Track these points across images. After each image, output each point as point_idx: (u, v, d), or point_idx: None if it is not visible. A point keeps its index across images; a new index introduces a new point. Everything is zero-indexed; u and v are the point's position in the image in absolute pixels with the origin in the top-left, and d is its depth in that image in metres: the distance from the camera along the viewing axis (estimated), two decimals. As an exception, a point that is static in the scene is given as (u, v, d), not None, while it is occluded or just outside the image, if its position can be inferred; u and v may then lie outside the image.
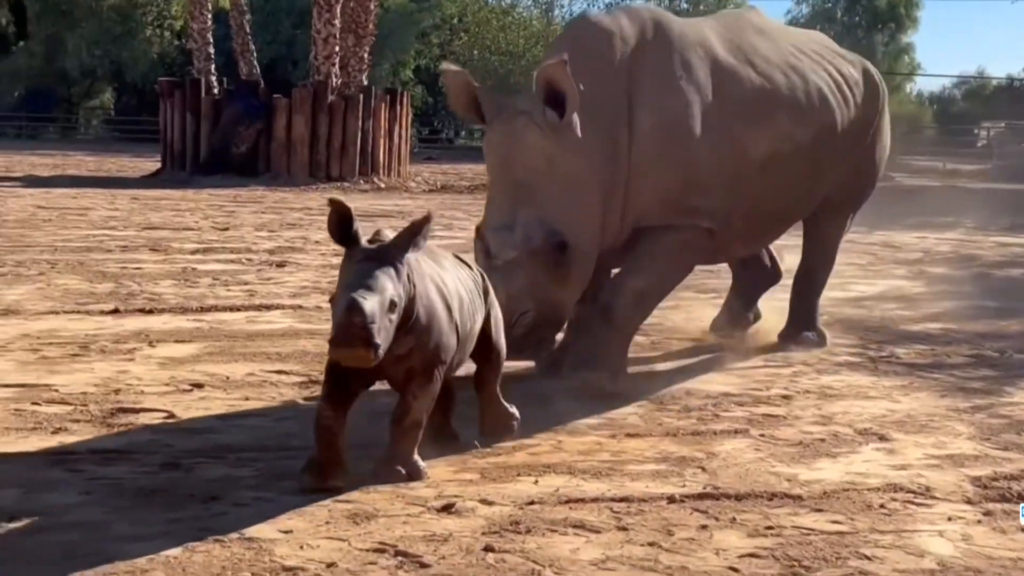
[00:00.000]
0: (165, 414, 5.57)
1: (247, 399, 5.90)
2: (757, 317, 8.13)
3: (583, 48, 6.35)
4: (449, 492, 4.49)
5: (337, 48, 25.88)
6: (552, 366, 6.31)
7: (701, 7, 52.82)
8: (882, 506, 4.48)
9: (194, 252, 11.83)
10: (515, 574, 3.70)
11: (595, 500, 4.45)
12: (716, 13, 10.55)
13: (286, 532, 4.01)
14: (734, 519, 4.28)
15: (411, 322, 4.36)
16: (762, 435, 5.47)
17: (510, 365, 5.50)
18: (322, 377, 4.62)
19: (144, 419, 5.48)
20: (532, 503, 4.40)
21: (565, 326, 6.45)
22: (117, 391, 5.95)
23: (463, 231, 13.77)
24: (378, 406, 4.93)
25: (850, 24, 62.35)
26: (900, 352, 7.70)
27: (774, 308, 8.17)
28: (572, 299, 6.13)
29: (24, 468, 4.68)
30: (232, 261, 11.22)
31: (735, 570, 3.80)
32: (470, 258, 5.36)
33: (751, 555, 3.93)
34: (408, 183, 26.34)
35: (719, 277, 9.36)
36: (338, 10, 25.95)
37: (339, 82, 25.89)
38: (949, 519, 4.35)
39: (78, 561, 3.72)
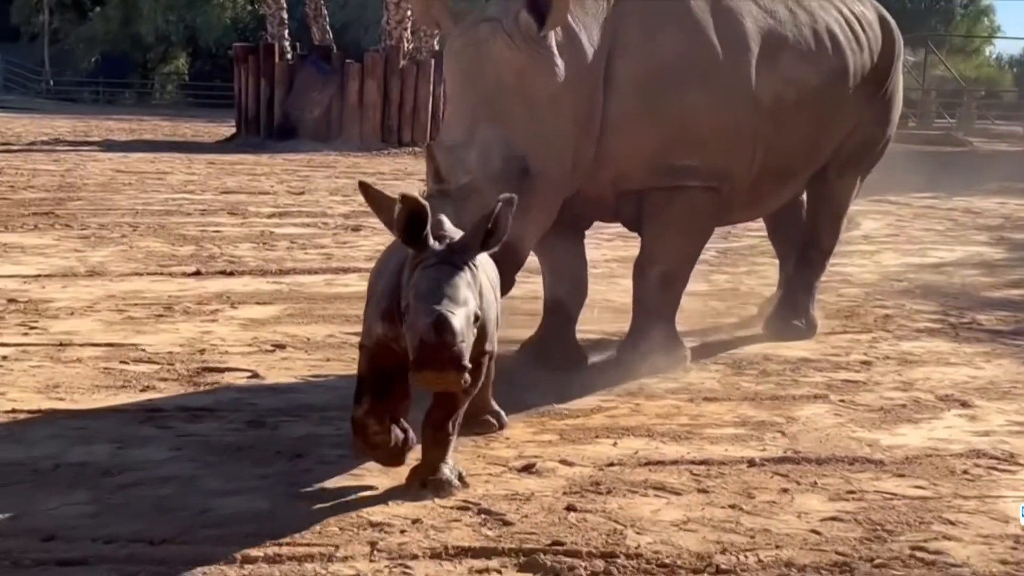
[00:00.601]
0: (249, 374, 5.68)
1: (328, 360, 6.00)
2: (813, 325, 7.02)
3: None
4: (529, 453, 4.54)
5: (409, 13, 25.88)
6: (540, 356, 5.88)
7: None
8: (965, 472, 4.45)
9: (271, 216, 11.98)
10: (597, 533, 3.74)
11: (674, 463, 4.48)
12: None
13: (371, 489, 4.09)
14: (815, 483, 4.28)
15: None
16: (842, 400, 5.44)
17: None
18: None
19: (229, 378, 5.60)
20: (612, 464, 4.44)
21: (543, 312, 6.04)
22: (202, 351, 6.08)
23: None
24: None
25: (928, -14, 61.01)
26: (981, 319, 7.59)
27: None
28: (532, 236, 5.35)
29: (116, 424, 4.82)
30: (308, 225, 11.35)
31: (817, 533, 3.81)
32: None
33: (833, 519, 3.93)
34: (478, 147, 26.29)
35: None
36: (410, -26, 25.94)
37: (411, 47, 25.93)
38: (1034, 486, 4.31)
39: (171, 515, 3.83)
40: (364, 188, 3.91)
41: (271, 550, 3.55)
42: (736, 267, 9.13)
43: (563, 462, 4.44)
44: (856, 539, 3.76)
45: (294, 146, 22.56)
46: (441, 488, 3.99)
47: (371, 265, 8.75)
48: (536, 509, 3.94)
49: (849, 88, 6.45)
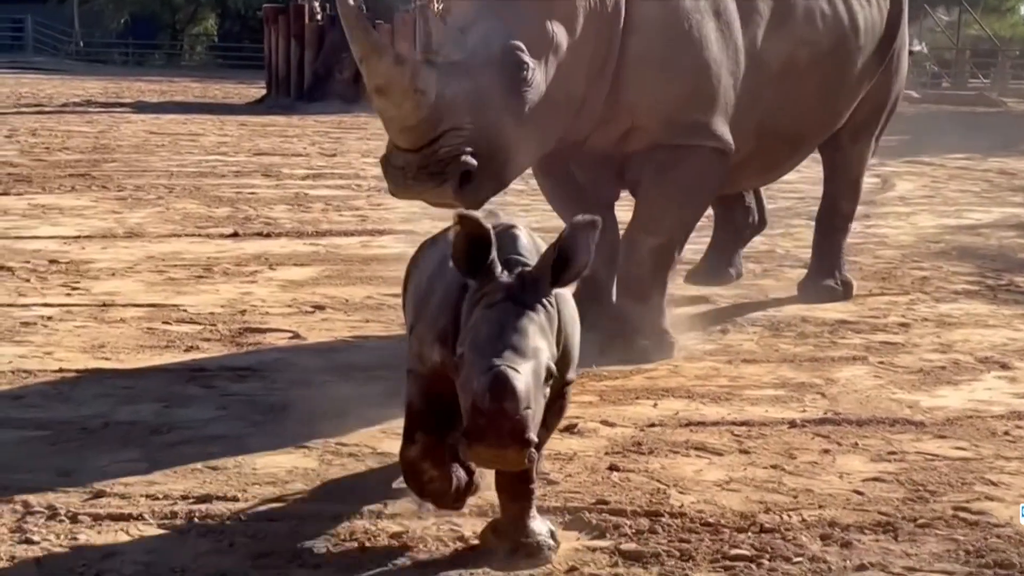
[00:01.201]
0: (290, 334, 5.74)
1: (367, 321, 6.05)
2: (739, 273, 6.99)
3: None
4: (570, 414, 4.56)
5: (438, -27, 25.74)
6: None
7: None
8: (1006, 433, 4.46)
9: (304, 178, 12.03)
10: (641, 492, 3.78)
11: (715, 424, 4.51)
12: None
13: (416, 448, 4.13)
14: (856, 444, 4.30)
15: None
16: (881, 362, 5.45)
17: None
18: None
19: (271, 339, 5.66)
20: (652, 425, 4.47)
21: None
22: (243, 312, 6.14)
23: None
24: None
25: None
26: (1019, 280, 7.54)
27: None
28: (523, 151, 4.88)
29: (162, 383, 4.89)
30: (342, 187, 11.39)
31: (860, 493, 3.83)
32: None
33: (875, 479, 3.96)
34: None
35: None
36: (440, -66, 25.76)
37: (440, 7, 25.83)
38: (1076, 448, 4.31)
39: (220, 472, 3.91)
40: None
41: (321, 507, 3.62)
42: (771, 229, 9.07)
43: (604, 423, 4.48)
44: (899, 499, 3.78)
45: (324, 107, 22.55)
46: (535, 554, 3.24)
47: (406, 227, 8.96)
48: (579, 469, 3.99)
49: (862, 47, 6.27)
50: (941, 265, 7.99)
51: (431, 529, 3.47)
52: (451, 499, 3.42)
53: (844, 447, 4.27)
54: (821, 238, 6.91)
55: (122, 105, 22.86)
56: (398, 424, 4.34)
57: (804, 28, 5.85)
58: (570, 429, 4.37)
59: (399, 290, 6.66)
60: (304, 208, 9.94)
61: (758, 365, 5.37)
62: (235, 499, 3.67)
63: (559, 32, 4.94)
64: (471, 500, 3.53)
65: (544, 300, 2.96)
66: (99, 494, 3.69)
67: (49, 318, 5.90)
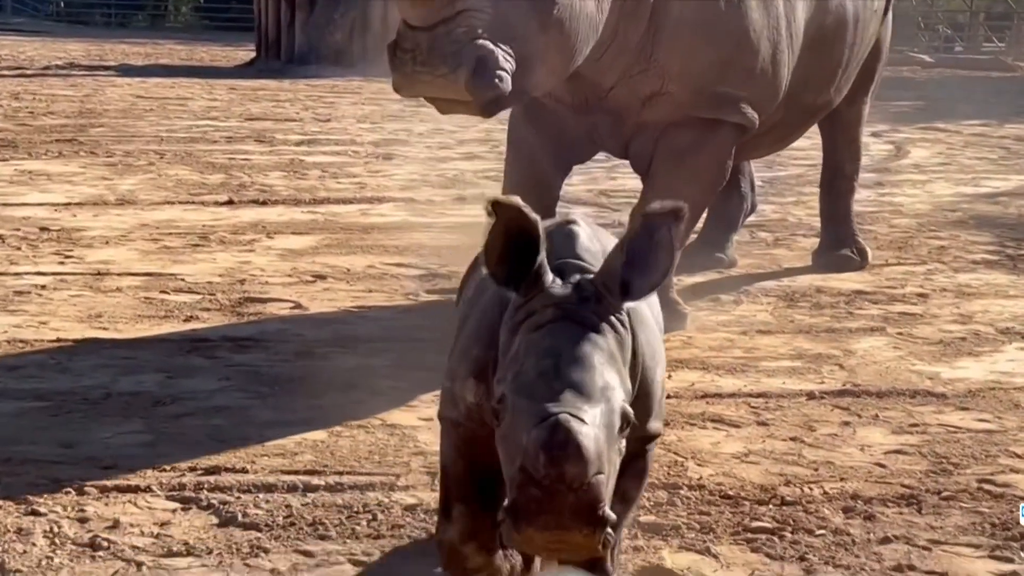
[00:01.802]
0: (292, 304, 5.62)
1: (370, 291, 5.93)
2: (732, 262, 6.66)
3: None
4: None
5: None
6: None
7: None
8: (1030, 406, 4.39)
9: (299, 144, 11.84)
10: (658, 464, 3.69)
11: (732, 395, 4.43)
12: None
13: (426, 420, 4.03)
14: (877, 416, 4.22)
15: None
16: (899, 333, 5.36)
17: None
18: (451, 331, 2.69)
19: (272, 309, 5.54)
20: (668, 397, 4.32)
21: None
22: (242, 281, 6.01)
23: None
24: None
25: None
26: (1040, 251, 7.42)
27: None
28: (546, 60, 4.46)
29: (163, 354, 4.78)
30: (338, 153, 11.20)
31: (882, 466, 3.76)
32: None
33: (897, 451, 3.88)
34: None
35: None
36: None
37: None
38: (1100, 420, 4.24)
39: (226, 444, 3.81)
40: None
41: (332, 479, 3.53)
42: (783, 197, 8.98)
43: (618, 393, 4.38)
44: (922, 472, 3.71)
45: (316, 71, 22.29)
46: None
47: (406, 194, 8.83)
48: (596, 441, 3.89)
49: (875, 11, 6.18)
50: (959, 234, 7.84)
51: (447, 504, 3.37)
52: None
53: (864, 419, 4.19)
54: (829, 204, 6.80)
55: (106, 68, 22.50)
56: (407, 396, 4.28)
57: None
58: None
59: (402, 259, 6.67)
60: (300, 175, 9.77)
61: (773, 336, 5.27)
62: (244, 471, 3.58)
63: None
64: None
65: (613, 318, 2.21)
66: (107, 466, 3.59)
67: (43, 287, 5.76)
